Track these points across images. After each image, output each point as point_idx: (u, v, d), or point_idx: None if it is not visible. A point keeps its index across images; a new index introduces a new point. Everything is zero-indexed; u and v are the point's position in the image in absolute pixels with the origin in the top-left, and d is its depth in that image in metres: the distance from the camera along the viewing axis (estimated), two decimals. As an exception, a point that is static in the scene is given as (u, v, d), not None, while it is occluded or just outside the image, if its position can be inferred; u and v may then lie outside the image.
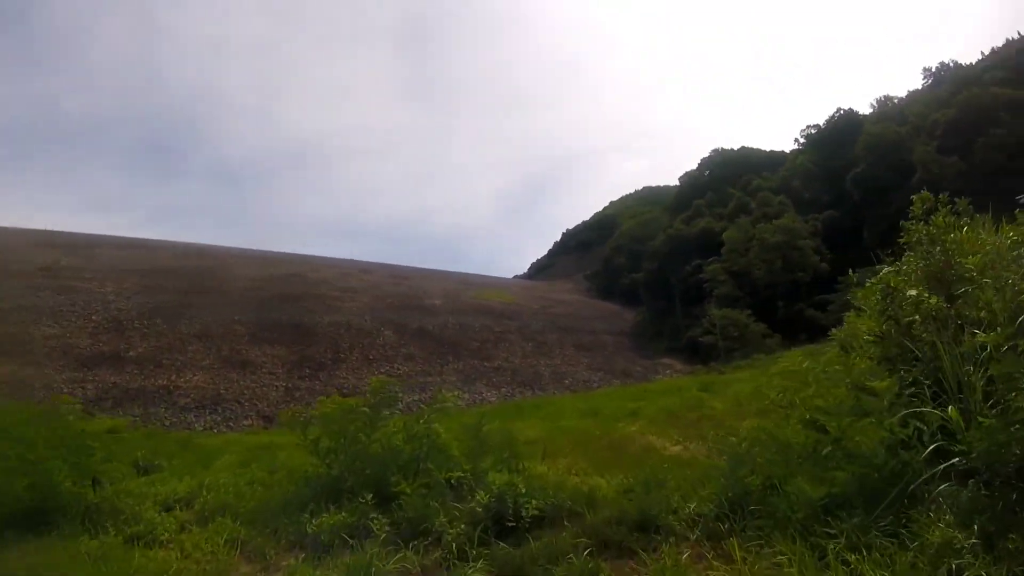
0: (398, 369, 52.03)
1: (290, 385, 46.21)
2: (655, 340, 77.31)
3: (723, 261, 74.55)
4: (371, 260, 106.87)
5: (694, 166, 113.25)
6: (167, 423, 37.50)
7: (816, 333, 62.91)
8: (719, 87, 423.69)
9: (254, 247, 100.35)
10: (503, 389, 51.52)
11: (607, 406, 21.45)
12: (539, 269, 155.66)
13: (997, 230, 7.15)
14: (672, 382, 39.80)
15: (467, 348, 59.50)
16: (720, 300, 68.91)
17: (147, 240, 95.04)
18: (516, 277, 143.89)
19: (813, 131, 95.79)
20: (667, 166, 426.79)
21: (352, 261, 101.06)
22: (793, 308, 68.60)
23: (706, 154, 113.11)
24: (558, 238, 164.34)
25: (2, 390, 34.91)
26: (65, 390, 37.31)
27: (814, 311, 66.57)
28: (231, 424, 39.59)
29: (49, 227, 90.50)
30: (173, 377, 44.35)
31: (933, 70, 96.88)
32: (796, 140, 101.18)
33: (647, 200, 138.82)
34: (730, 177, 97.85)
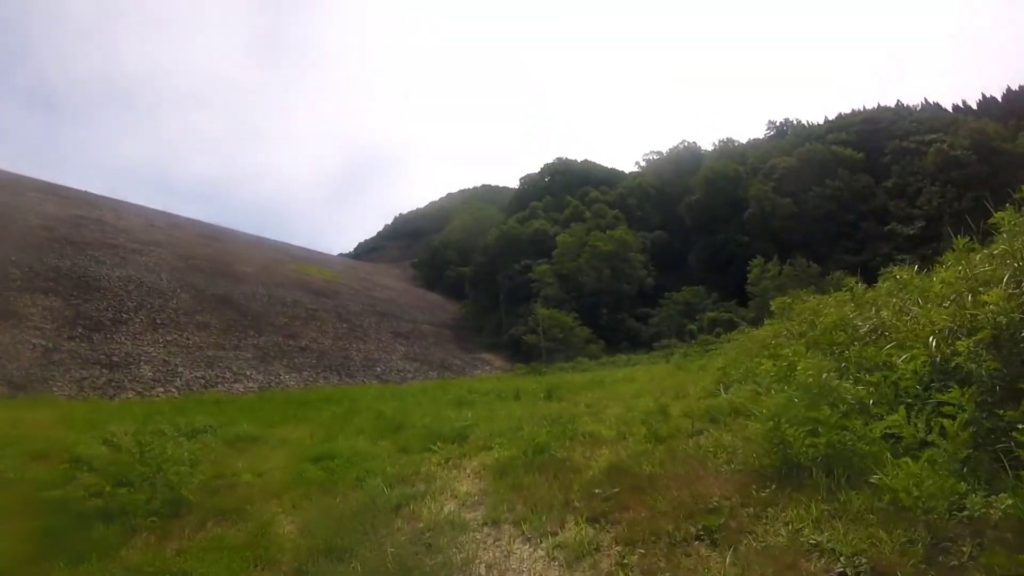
0: (187, 339, 43.99)
1: (51, 345, 37.52)
2: (476, 335, 72.67)
3: (553, 263, 71.66)
4: (185, 215, 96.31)
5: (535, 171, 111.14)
6: None
7: (636, 343, 62.24)
8: (571, 102, 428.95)
9: (60, 182, 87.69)
10: (305, 372, 44.83)
11: (418, 416, 15.11)
12: (366, 251, 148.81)
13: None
14: (502, 381, 35.09)
15: (273, 323, 52.03)
16: (546, 301, 65.42)
17: None
18: (341, 255, 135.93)
19: (655, 156, 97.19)
20: (509, 170, 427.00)
21: (163, 213, 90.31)
22: (616, 317, 66.69)
23: (550, 161, 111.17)
24: (390, 222, 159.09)
25: None
26: None
27: (635, 322, 65.20)
28: None
29: None
30: None
31: (778, 123, 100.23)
32: (637, 163, 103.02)
33: (485, 198, 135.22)
34: (570, 186, 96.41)
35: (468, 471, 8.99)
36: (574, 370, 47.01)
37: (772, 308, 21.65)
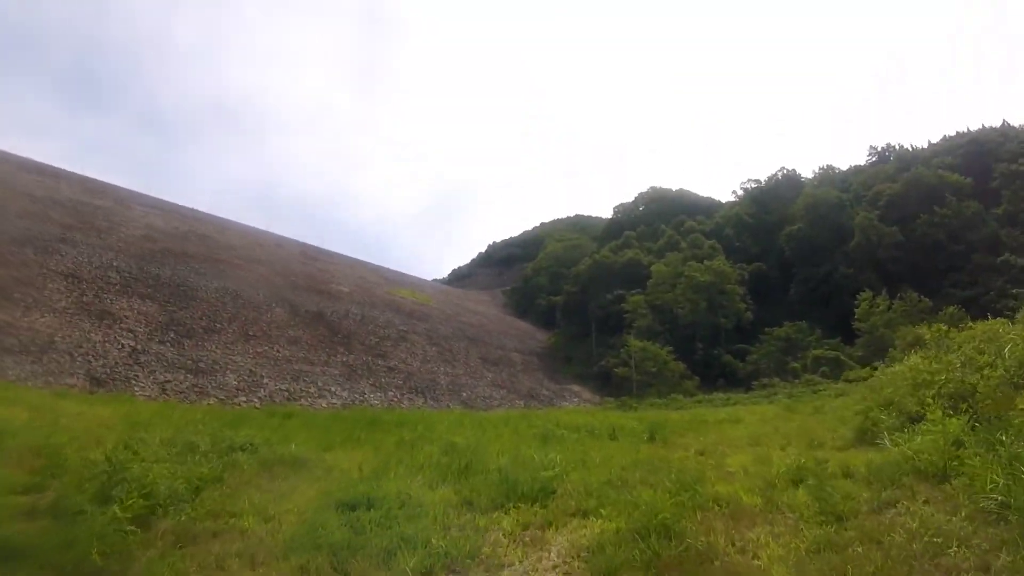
0: (277, 351, 43.39)
1: (139, 347, 37.33)
2: (565, 365, 69.66)
3: (647, 294, 68.18)
4: (286, 235, 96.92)
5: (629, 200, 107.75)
6: None
7: (733, 381, 58.14)
8: (665, 132, 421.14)
9: (167, 199, 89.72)
10: (391, 392, 43.16)
11: (494, 453, 12.63)
12: (459, 277, 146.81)
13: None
14: (592, 415, 32.34)
15: (363, 342, 50.82)
16: (639, 332, 61.74)
17: (60, 170, 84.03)
18: (435, 281, 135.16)
19: (752, 184, 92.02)
20: (602, 199, 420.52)
21: (269, 233, 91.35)
22: (712, 352, 62.51)
23: (644, 189, 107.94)
24: (483, 249, 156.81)
25: None
26: None
27: (732, 358, 61.02)
28: (51, 379, 30.37)
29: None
30: (18, 315, 35.94)
31: (879, 149, 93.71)
32: (734, 192, 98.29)
33: (577, 226, 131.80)
34: (664, 214, 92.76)
35: (553, 556, 6.39)
36: (667, 407, 43.78)
37: (895, 343, 18.36)
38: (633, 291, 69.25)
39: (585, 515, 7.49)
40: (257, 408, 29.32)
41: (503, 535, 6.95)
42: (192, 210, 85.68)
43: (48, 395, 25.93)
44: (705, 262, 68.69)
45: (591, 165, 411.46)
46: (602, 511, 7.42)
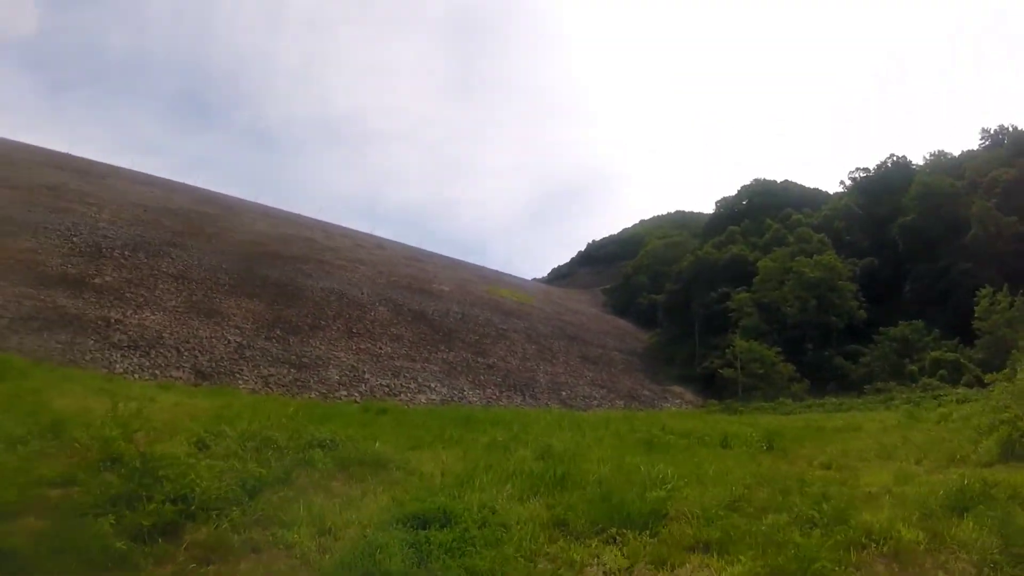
0: (379, 348, 43.67)
1: (244, 343, 38.11)
2: (667, 365, 67.45)
3: (753, 291, 64.54)
4: (392, 239, 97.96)
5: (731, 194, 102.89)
6: (87, 357, 30.39)
7: (845, 384, 54.56)
8: (762, 117, 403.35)
9: (278, 206, 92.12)
10: (489, 390, 42.58)
11: (595, 461, 11.35)
12: (559, 276, 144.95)
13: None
14: (698, 419, 30.68)
15: (463, 340, 50.51)
16: (745, 332, 58.68)
17: (170, 181, 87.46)
18: (535, 280, 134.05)
19: (861, 174, 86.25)
20: (701, 194, 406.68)
21: (371, 236, 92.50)
22: (822, 353, 58.99)
23: (747, 182, 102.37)
24: (583, 248, 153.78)
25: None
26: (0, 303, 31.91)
27: (844, 360, 57.52)
28: (157, 372, 31.76)
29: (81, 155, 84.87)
30: (129, 312, 37.28)
31: (992, 131, 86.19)
32: (842, 182, 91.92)
33: (678, 223, 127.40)
34: (769, 208, 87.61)
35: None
36: (775, 412, 41.27)
37: (1018, 344, 16.19)
38: (738, 289, 65.99)
39: (707, 549, 6.20)
40: (356, 403, 29.14)
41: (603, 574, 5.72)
42: (298, 215, 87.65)
43: (152, 387, 25.91)
44: (814, 257, 64.50)
45: (691, 159, 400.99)
46: (729, 547, 6.11)
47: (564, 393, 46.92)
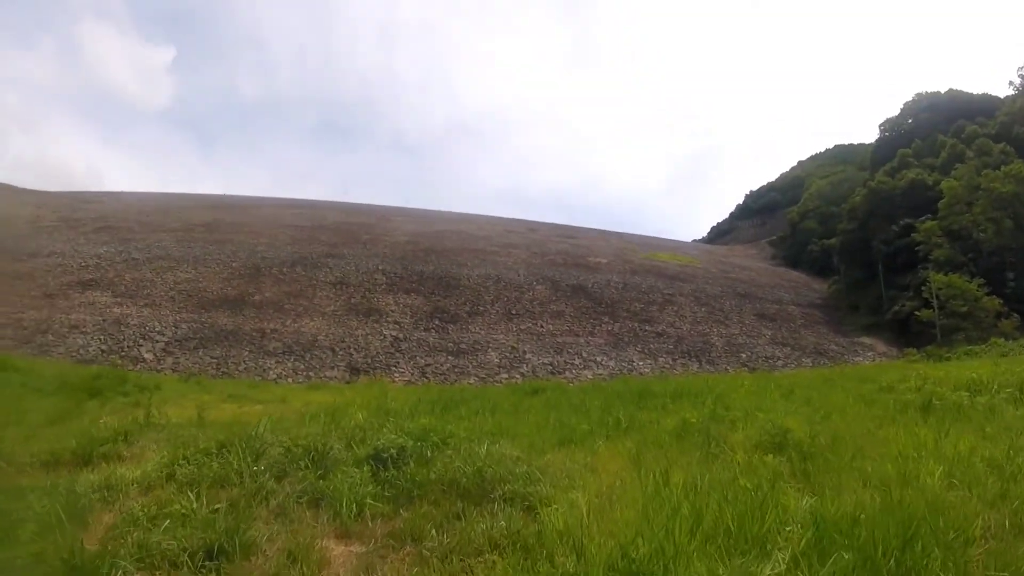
0: (541, 327, 41.08)
1: (401, 336, 36.96)
2: (851, 314, 59.88)
3: (940, 218, 55.32)
4: (542, 221, 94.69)
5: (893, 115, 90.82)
6: (241, 367, 31.23)
7: None
8: (915, 23, 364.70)
9: (427, 207, 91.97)
10: (661, 359, 38.62)
11: (850, 442, 7.86)
12: (719, 234, 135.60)
13: None
14: (911, 369, 24.79)
15: (627, 309, 46.62)
16: (937, 266, 50.15)
17: (318, 201, 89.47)
18: (694, 241, 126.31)
19: None
20: (862, 122, 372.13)
21: (521, 220, 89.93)
22: (1024, 283, 50.03)
23: (909, 99, 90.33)
24: (740, 201, 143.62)
25: (98, 327, 33.59)
26: (157, 328, 34.23)
27: (1053, 288, 48.53)
28: (311, 373, 31.76)
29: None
30: (288, 322, 37.77)
31: None
32: (1011, 83, 79.85)
33: (839, 158, 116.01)
34: (939, 123, 76.89)
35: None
36: (990, 354, 34.46)
37: None
38: (921, 218, 57.03)
39: None
40: (518, 384, 26.14)
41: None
42: (448, 212, 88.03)
43: (298, 388, 26.34)
44: (1002, 169, 53.98)
45: (840, 87, 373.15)
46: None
47: (744, 355, 41.98)
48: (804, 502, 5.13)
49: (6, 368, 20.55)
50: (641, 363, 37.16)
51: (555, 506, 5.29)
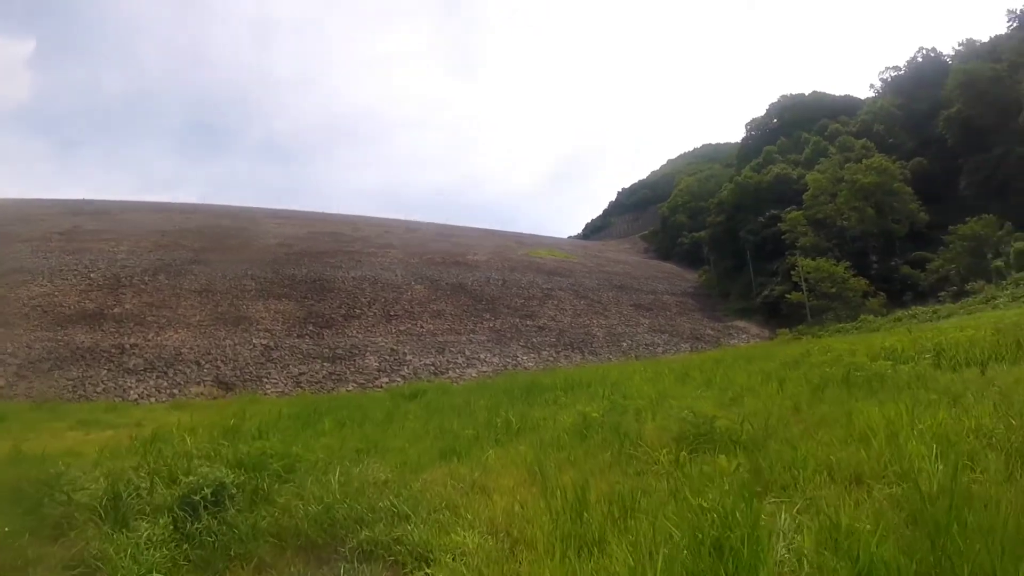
0: (421, 327, 39.55)
1: (272, 344, 34.60)
2: (723, 301, 61.94)
3: (805, 209, 57.78)
4: (421, 221, 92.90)
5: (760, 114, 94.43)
6: (99, 388, 28.25)
7: (921, 294, 48.05)
8: (779, 30, 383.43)
9: (303, 209, 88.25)
10: (544, 352, 37.98)
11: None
12: (594, 230, 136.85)
13: None
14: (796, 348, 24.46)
15: (508, 305, 45.82)
16: (804, 252, 52.42)
17: (185, 204, 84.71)
18: (570, 238, 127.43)
19: (893, 73, 78.93)
20: (727, 123, 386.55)
21: (400, 221, 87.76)
22: (888, 265, 53.21)
23: (774, 99, 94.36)
24: (613, 198, 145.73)
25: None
26: (9, 350, 30.57)
27: (911, 269, 51.61)
28: (175, 391, 29.07)
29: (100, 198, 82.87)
30: (150, 335, 34.69)
31: (1018, 12, 77.60)
32: (872, 85, 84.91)
33: (707, 157, 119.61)
34: (802, 123, 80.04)
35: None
36: (861, 330, 35.77)
37: None
38: (787, 209, 59.43)
39: None
40: (399, 386, 24.82)
41: None
42: (323, 214, 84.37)
43: (160, 408, 24.08)
44: (863, 162, 57.63)
45: (707, 89, 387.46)
46: None
47: (625, 344, 42.07)
48: (789, 521, 3.93)
49: None
50: (525, 358, 36.36)
51: (434, 563, 3.87)
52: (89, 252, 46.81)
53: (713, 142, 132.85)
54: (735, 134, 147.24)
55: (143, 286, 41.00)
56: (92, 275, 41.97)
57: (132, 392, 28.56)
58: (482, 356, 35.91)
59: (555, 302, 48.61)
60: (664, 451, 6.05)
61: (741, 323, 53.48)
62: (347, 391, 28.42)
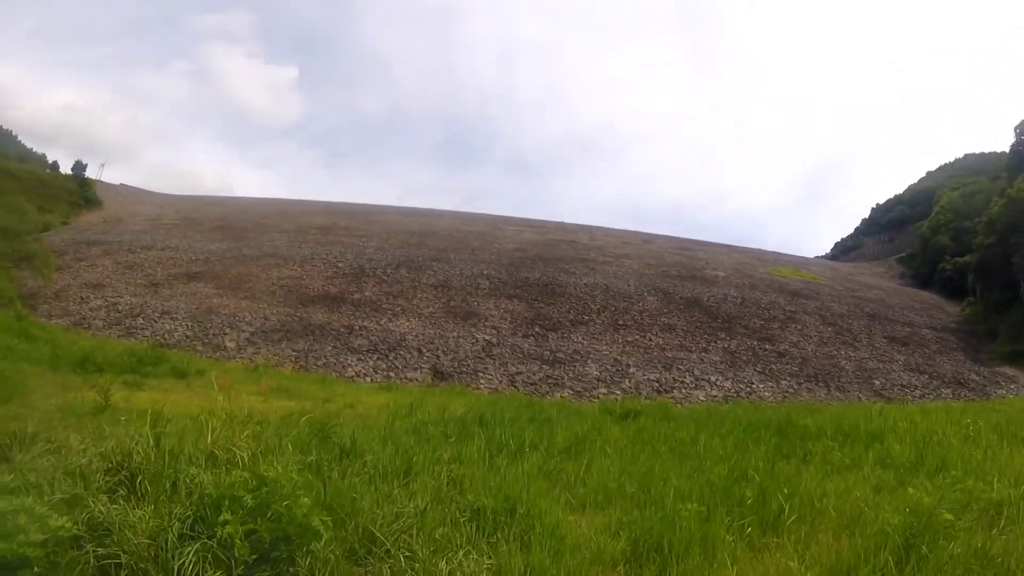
0: (649, 339, 36.72)
1: (495, 340, 33.86)
2: (988, 341, 52.27)
3: None
4: (659, 233, 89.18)
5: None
6: (320, 361, 29.79)
7: None
8: None
9: (542, 218, 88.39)
10: (784, 382, 33.29)
11: None
12: (843, 250, 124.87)
13: None
14: None
15: (746, 325, 41.37)
16: None
17: (436, 210, 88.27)
18: (817, 258, 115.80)
19: None
20: (992, 129, 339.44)
21: (638, 232, 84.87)
22: None
23: None
24: (866, 215, 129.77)
25: (189, 315, 33.61)
26: (246, 319, 33.81)
27: None
28: (392, 373, 29.27)
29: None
30: (383, 321, 35.63)
31: None
32: None
33: (971, 169, 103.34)
34: None
35: None
36: None
37: None
38: None
39: None
40: (616, 399, 21.65)
41: None
42: (561, 223, 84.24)
43: (367, 388, 24.23)
44: None
45: (968, 92, 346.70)
46: None
47: (877, 382, 36.01)
48: None
49: (35, 339, 19.47)
50: (761, 385, 32.14)
51: None
52: (340, 245, 50.29)
53: (976, 151, 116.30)
54: (1001, 142, 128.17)
55: (385, 277, 42.72)
56: (340, 264, 44.87)
57: (350, 369, 29.33)
58: (712, 378, 32.23)
59: (798, 326, 43.34)
60: None
61: (1010, 370, 44.48)
62: (561, 397, 26.29)
